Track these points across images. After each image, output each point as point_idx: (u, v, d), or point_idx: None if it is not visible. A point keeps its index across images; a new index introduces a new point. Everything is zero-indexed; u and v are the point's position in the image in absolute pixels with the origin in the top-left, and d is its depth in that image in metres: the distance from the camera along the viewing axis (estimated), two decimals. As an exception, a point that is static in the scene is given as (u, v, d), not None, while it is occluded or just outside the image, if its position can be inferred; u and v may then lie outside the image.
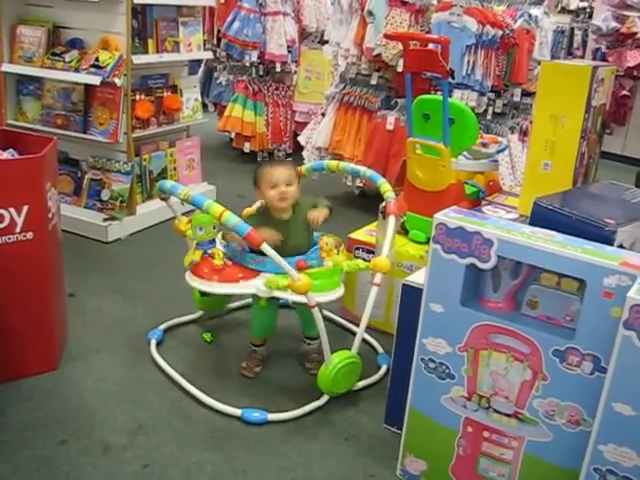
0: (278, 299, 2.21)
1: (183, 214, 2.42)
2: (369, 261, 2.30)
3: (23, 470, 1.85)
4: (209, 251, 2.27)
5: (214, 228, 2.27)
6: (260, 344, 2.41)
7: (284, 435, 2.07)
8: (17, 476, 1.83)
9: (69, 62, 3.46)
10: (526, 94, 4.02)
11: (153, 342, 2.55)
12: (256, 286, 2.16)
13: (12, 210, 2.08)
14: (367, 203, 4.13)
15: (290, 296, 2.11)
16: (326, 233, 2.32)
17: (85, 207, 3.64)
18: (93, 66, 3.37)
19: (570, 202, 1.91)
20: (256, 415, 2.16)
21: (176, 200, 2.26)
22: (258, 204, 2.39)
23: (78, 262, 3.16)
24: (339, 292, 2.23)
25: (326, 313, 2.53)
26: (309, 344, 2.42)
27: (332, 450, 2.02)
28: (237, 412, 2.16)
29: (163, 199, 2.37)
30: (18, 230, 2.12)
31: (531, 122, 3.31)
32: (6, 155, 2.30)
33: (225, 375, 2.39)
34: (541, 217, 1.80)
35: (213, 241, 2.29)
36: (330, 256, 2.29)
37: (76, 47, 3.47)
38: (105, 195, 3.67)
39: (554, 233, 1.60)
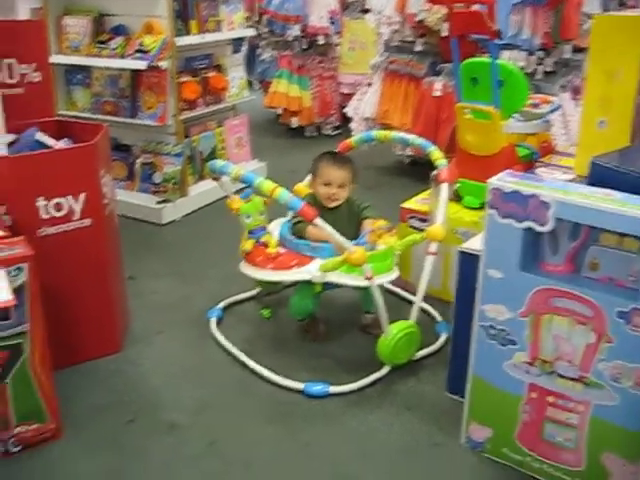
0: (324, 288, 2.22)
1: (235, 192, 2.44)
2: (423, 230, 2.28)
3: (93, 449, 1.91)
4: (261, 239, 2.28)
5: (261, 215, 2.30)
6: (308, 323, 2.46)
7: (346, 407, 2.07)
8: (87, 455, 1.90)
9: (114, 49, 3.50)
10: (577, 50, 3.89)
11: (213, 320, 2.56)
12: (310, 272, 2.16)
13: (70, 198, 2.13)
14: (418, 171, 4.04)
15: (346, 280, 2.13)
16: (378, 218, 2.35)
17: (139, 191, 3.68)
18: (138, 51, 3.40)
19: (628, 159, 1.85)
20: (318, 388, 2.15)
21: (227, 179, 2.28)
22: (308, 181, 2.40)
23: (135, 246, 3.19)
24: (393, 275, 2.22)
25: (385, 285, 2.49)
26: (369, 314, 2.47)
27: (395, 420, 2.03)
28: (299, 386, 2.16)
29: (214, 179, 2.38)
30: (77, 217, 2.16)
31: (583, 79, 3.16)
32: (61, 144, 2.35)
33: (285, 350, 2.39)
34: (599, 176, 1.74)
35: (263, 228, 2.30)
36: (382, 239, 2.28)
37: (120, 34, 3.51)
38: (157, 178, 3.71)
39: (613, 192, 1.56)
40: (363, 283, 2.11)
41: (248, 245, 2.30)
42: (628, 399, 1.57)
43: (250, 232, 2.31)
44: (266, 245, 2.29)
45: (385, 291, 2.59)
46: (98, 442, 1.93)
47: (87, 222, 2.18)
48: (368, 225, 2.24)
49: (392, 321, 2.19)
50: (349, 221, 2.31)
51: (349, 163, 2.31)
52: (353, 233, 2.24)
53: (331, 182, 2.27)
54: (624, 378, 1.57)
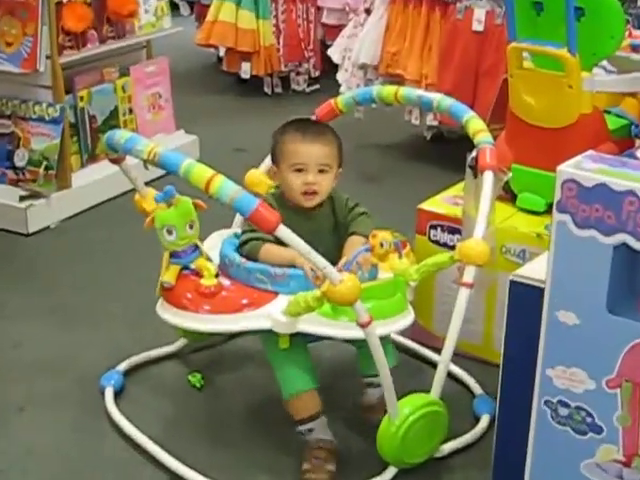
0: (308, 335, 1.98)
1: (148, 184, 2.20)
2: (453, 247, 2.08)
3: None
4: (192, 265, 2.03)
5: (190, 227, 2.01)
6: (310, 416, 2.01)
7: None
8: None
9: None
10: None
11: (109, 391, 2.27)
12: (271, 316, 1.89)
13: None
14: (445, 152, 3.64)
15: (327, 329, 1.87)
16: (381, 228, 2.10)
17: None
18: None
19: None
20: None
21: (135, 162, 2.02)
22: (267, 169, 2.22)
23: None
24: (405, 319, 1.99)
25: (392, 336, 2.35)
26: (373, 386, 2.09)
27: None
28: None
29: (114, 161, 2.11)
30: None
31: None
32: None
33: (228, 440, 2.13)
34: None
35: (195, 248, 2.05)
36: (388, 262, 2.02)
37: None
38: (21, 159, 3.29)
39: None
40: (355, 334, 1.84)
41: (170, 275, 2.01)
42: None
43: (173, 255, 2.03)
44: (199, 274, 2.00)
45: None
46: None
47: None
48: (360, 242, 2.02)
49: (403, 395, 1.93)
50: (334, 232, 2.08)
51: (331, 134, 2.08)
52: (339, 251, 2.03)
53: (307, 164, 1.99)
54: None
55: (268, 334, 1.96)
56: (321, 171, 2.01)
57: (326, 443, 1.98)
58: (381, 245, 2.00)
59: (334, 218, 2.10)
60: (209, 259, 2.07)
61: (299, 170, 2.01)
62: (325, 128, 2.12)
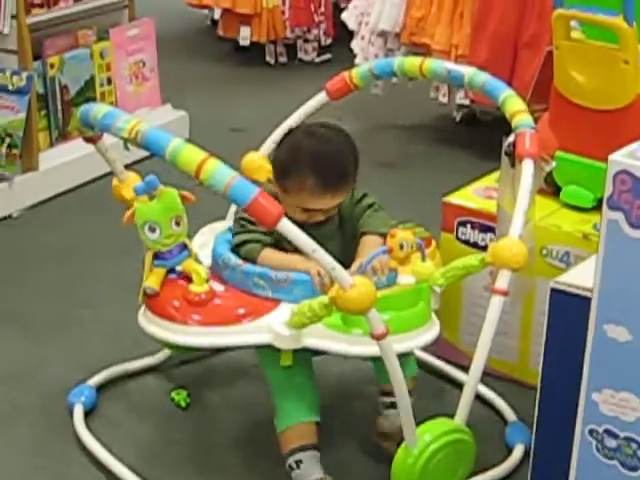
0: (313, 350, 1.84)
1: (128, 167, 2.03)
2: (485, 248, 1.93)
3: None
4: (179, 268, 1.86)
5: (176, 223, 1.82)
6: (302, 446, 1.81)
7: None
8: None
9: None
10: None
11: (79, 410, 2.07)
12: (272, 328, 1.72)
13: None
14: (477, 137, 3.43)
15: (335, 344, 1.71)
16: (402, 224, 1.91)
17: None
18: None
19: None
20: None
21: (114, 141, 1.85)
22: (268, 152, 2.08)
23: None
24: (429, 332, 1.81)
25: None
26: (394, 407, 1.90)
27: None
28: None
29: (89, 140, 1.91)
30: None
31: None
32: None
33: (215, 470, 1.94)
34: None
35: (182, 247, 1.85)
36: (409, 265, 1.81)
37: None
38: None
39: None
40: (369, 350, 1.69)
41: (153, 280, 1.82)
42: None
43: (157, 256, 1.84)
44: (188, 278, 1.83)
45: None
46: None
47: None
48: (375, 242, 1.84)
49: (423, 420, 1.77)
50: (339, 231, 1.90)
51: (351, 161, 1.81)
52: (346, 254, 1.85)
53: (316, 210, 1.83)
54: None
55: (267, 349, 1.86)
56: (329, 210, 1.92)
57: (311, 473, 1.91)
58: (401, 247, 1.86)
59: (338, 214, 2.00)
60: (199, 260, 1.99)
61: (306, 211, 1.89)
62: (346, 160, 1.85)
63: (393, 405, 1.96)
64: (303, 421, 1.88)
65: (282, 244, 1.87)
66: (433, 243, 2.05)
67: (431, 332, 1.88)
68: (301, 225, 1.79)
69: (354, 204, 2.03)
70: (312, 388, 1.95)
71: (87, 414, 2.17)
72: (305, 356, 1.91)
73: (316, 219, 1.95)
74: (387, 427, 2.02)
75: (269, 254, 1.87)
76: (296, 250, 1.72)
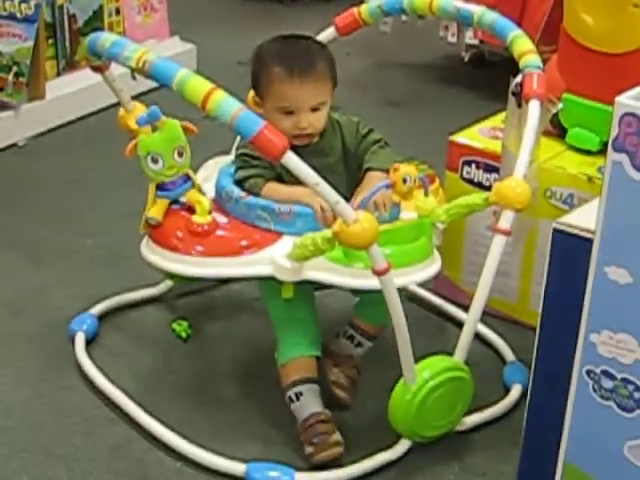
0: (314, 283, 1.85)
1: (135, 98, 2.04)
2: (489, 187, 1.95)
3: None
4: (182, 199, 1.86)
5: (179, 155, 1.81)
6: (302, 379, 1.81)
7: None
8: None
9: None
10: None
11: (80, 338, 2.09)
12: (274, 260, 1.73)
13: None
14: (485, 77, 3.40)
15: (337, 277, 1.70)
16: (406, 160, 1.90)
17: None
18: None
19: None
20: (273, 475, 1.72)
21: (121, 71, 1.83)
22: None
23: None
24: (429, 267, 1.80)
25: (411, 287, 2.21)
26: (357, 342, 1.89)
27: None
28: (238, 468, 1.74)
29: (96, 69, 1.90)
30: None
31: None
32: None
33: (214, 402, 1.96)
34: None
35: (186, 179, 1.86)
36: (411, 200, 1.82)
37: None
38: None
39: None
40: (369, 283, 1.68)
41: (156, 210, 1.81)
42: None
43: (160, 187, 1.84)
44: (191, 210, 1.82)
45: (411, 300, 2.24)
46: None
47: None
48: (379, 178, 1.82)
49: (421, 357, 1.78)
50: (343, 165, 1.87)
51: (322, 60, 1.83)
52: (350, 189, 1.86)
53: (298, 107, 1.77)
54: None
55: (269, 282, 1.86)
56: (314, 109, 1.87)
57: (319, 415, 1.83)
58: (404, 181, 1.85)
59: (342, 148, 1.95)
60: (202, 192, 1.98)
61: (288, 112, 1.86)
62: (315, 53, 1.90)
63: (359, 344, 1.89)
64: (304, 354, 1.87)
65: (284, 179, 1.85)
66: (437, 180, 2.02)
67: (431, 267, 1.87)
68: (299, 153, 1.70)
69: (360, 139, 1.99)
70: (314, 322, 1.94)
71: (88, 343, 2.18)
72: (307, 290, 1.91)
73: (304, 130, 1.85)
74: (335, 350, 1.95)
75: (273, 187, 1.85)
76: (299, 184, 1.70)
